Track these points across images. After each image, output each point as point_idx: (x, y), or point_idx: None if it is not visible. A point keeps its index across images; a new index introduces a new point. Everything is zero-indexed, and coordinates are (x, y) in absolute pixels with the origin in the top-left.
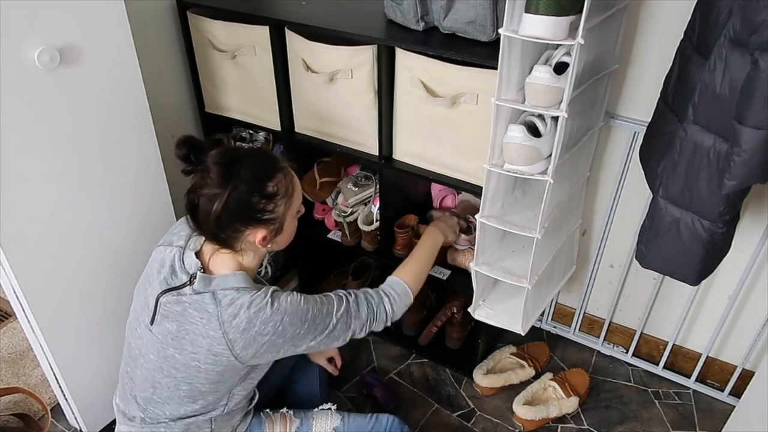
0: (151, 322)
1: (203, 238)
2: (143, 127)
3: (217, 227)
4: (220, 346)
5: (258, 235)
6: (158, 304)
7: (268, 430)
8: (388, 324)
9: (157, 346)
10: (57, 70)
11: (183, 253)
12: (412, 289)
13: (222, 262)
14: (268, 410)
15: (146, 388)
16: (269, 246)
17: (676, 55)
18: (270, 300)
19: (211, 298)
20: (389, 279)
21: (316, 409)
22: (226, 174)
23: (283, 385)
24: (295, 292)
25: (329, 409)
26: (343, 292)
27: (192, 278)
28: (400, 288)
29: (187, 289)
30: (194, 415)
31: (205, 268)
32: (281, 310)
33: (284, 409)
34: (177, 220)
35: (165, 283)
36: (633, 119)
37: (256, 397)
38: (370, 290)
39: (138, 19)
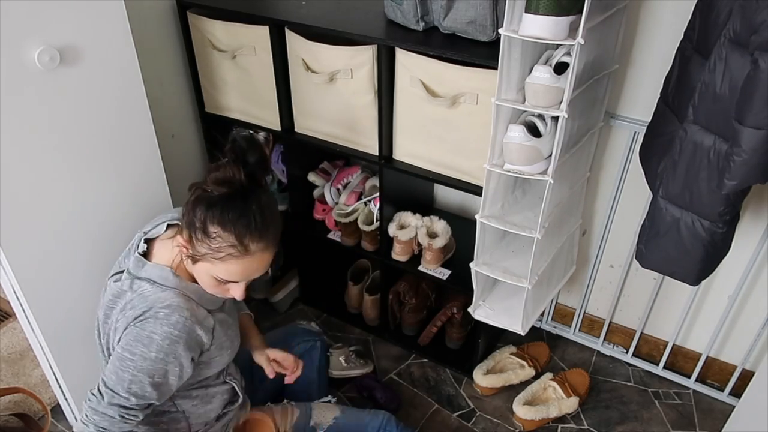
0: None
1: (165, 226)
2: (143, 127)
3: (190, 191)
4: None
5: (185, 233)
6: (106, 290)
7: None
8: None
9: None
10: (57, 70)
11: (141, 239)
12: None
13: (162, 248)
14: (269, 404)
15: None
16: (185, 261)
17: (676, 55)
18: (154, 335)
19: (129, 285)
20: None
21: (316, 401)
22: (234, 181)
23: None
24: (183, 363)
25: (329, 401)
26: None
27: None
28: None
29: (124, 273)
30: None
31: (148, 254)
32: (142, 352)
33: (285, 401)
34: None
35: (118, 267)
36: (633, 119)
37: (239, 381)
38: None
39: (138, 19)
